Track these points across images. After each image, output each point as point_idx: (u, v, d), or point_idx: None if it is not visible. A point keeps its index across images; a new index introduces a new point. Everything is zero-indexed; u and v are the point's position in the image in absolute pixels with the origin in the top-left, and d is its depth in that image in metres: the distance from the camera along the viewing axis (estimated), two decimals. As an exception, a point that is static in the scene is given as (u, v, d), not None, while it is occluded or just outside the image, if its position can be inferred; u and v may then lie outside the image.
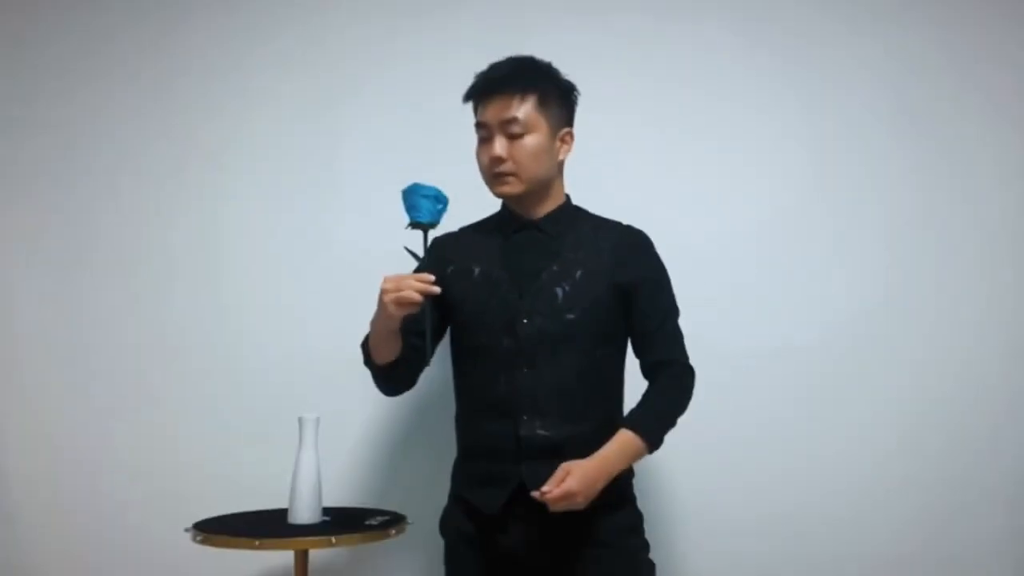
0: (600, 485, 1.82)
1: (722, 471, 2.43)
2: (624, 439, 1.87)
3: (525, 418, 1.89)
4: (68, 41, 2.63)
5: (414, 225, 1.87)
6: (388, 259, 2.41)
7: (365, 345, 1.99)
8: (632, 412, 1.93)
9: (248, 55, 2.61)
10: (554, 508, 1.78)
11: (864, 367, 2.46)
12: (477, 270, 2.00)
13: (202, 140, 2.60)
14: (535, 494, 1.78)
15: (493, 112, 1.93)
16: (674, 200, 2.49)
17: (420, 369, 2.00)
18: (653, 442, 1.90)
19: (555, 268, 1.94)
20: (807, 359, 2.45)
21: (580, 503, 1.79)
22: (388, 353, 1.94)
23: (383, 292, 1.82)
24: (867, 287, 2.47)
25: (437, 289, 1.81)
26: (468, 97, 1.98)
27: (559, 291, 1.92)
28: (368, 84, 2.57)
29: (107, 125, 2.61)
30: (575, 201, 2.06)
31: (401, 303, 1.80)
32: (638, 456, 1.90)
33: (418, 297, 1.80)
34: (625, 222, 2.06)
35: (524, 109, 1.92)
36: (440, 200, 1.87)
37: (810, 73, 2.51)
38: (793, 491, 2.43)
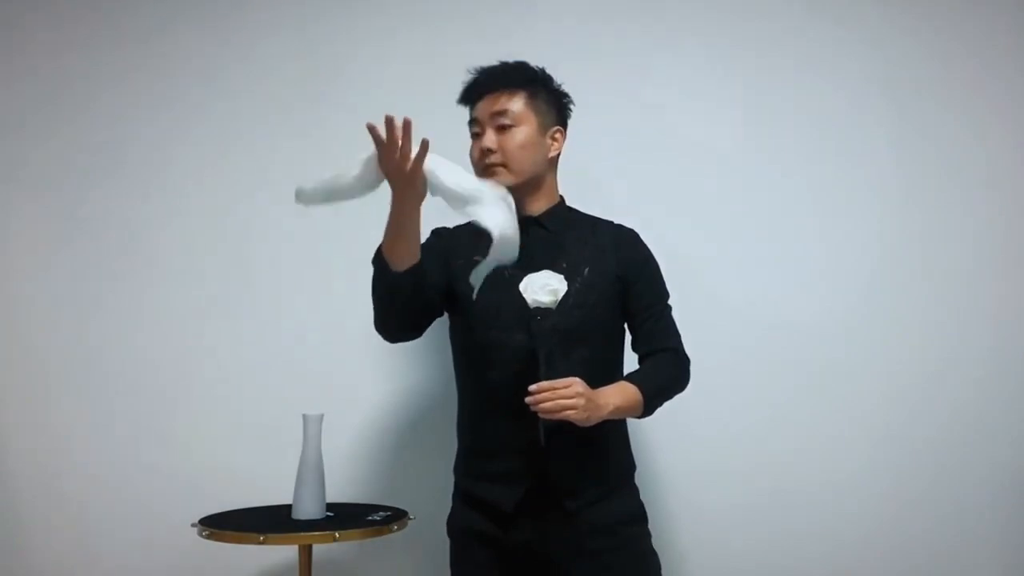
0: (599, 410, 1.83)
1: (716, 459, 2.45)
2: (624, 384, 1.93)
3: (540, 415, 1.88)
4: (83, 45, 2.65)
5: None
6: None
7: (378, 264, 1.88)
8: (632, 374, 1.98)
9: (246, 56, 2.62)
10: (551, 405, 1.78)
11: (858, 357, 2.47)
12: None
13: (211, 141, 2.61)
14: (533, 388, 1.78)
15: (484, 106, 1.99)
16: (674, 198, 2.51)
17: (430, 314, 1.98)
18: (649, 399, 1.94)
19: (564, 265, 1.95)
20: (803, 349, 2.47)
21: (579, 406, 1.79)
22: (406, 254, 1.83)
23: (387, 174, 1.76)
24: (859, 279, 2.49)
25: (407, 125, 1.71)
26: (461, 98, 2.04)
27: (572, 288, 1.92)
28: (367, 86, 2.58)
29: (118, 130, 2.63)
30: (576, 199, 2.09)
31: (400, 168, 1.72)
32: (631, 408, 1.92)
33: (412, 153, 1.72)
34: (617, 220, 2.09)
35: (513, 103, 1.99)
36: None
37: (806, 75, 2.53)
38: (786, 479, 2.44)
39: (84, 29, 2.65)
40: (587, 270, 1.97)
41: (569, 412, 1.79)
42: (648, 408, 1.96)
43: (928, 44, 2.53)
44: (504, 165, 1.97)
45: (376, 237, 2.50)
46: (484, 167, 1.98)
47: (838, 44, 2.53)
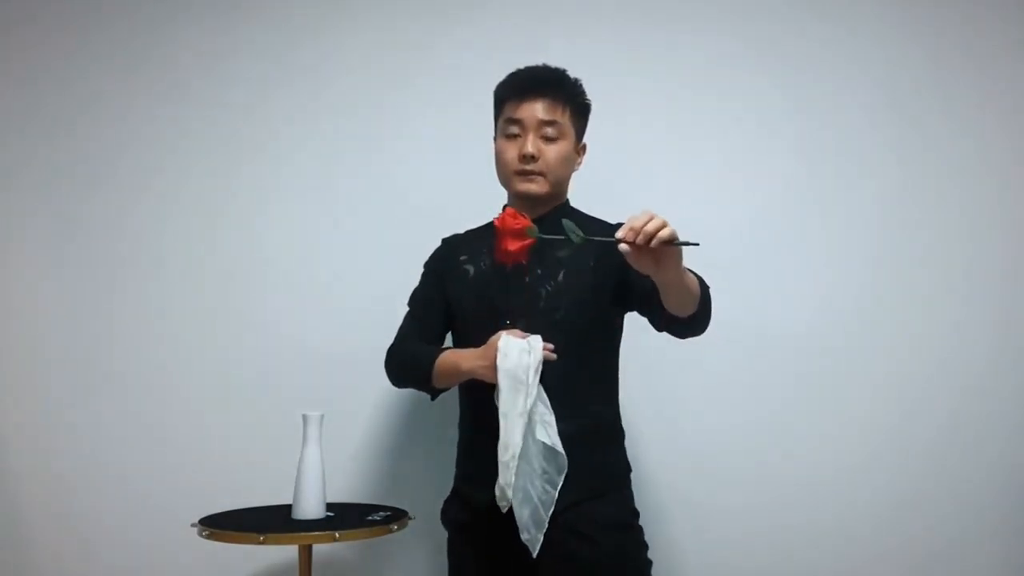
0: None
1: (715, 460, 2.45)
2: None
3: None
4: (83, 46, 2.64)
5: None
6: (389, 259, 2.46)
7: (419, 371, 2.01)
8: None
9: (246, 55, 2.62)
10: (645, 236, 1.62)
11: (857, 357, 2.48)
12: (472, 270, 2.04)
13: (210, 142, 2.61)
14: (620, 234, 1.62)
15: (534, 110, 1.96)
16: (673, 197, 2.50)
17: None
18: (701, 285, 1.81)
19: (539, 271, 1.96)
20: (803, 349, 2.47)
21: (665, 222, 1.63)
22: (450, 386, 2.03)
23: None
24: (859, 279, 2.49)
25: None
26: (510, 92, 2.00)
27: (543, 292, 1.96)
28: (371, 92, 2.59)
29: (118, 128, 2.62)
30: (579, 201, 2.09)
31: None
32: (690, 278, 1.78)
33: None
34: (615, 221, 2.07)
35: (563, 115, 1.98)
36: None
37: (803, 75, 2.53)
38: (786, 480, 2.45)
39: (84, 30, 2.65)
40: (562, 274, 1.96)
41: (664, 231, 1.62)
42: (704, 296, 1.81)
43: (928, 45, 2.53)
44: (543, 175, 1.97)
45: (377, 238, 2.53)
46: (521, 172, 1.97)
47: (838, 44, 2.53)
